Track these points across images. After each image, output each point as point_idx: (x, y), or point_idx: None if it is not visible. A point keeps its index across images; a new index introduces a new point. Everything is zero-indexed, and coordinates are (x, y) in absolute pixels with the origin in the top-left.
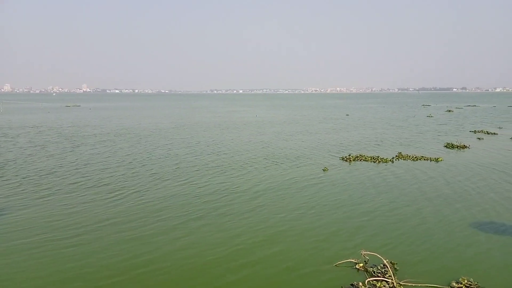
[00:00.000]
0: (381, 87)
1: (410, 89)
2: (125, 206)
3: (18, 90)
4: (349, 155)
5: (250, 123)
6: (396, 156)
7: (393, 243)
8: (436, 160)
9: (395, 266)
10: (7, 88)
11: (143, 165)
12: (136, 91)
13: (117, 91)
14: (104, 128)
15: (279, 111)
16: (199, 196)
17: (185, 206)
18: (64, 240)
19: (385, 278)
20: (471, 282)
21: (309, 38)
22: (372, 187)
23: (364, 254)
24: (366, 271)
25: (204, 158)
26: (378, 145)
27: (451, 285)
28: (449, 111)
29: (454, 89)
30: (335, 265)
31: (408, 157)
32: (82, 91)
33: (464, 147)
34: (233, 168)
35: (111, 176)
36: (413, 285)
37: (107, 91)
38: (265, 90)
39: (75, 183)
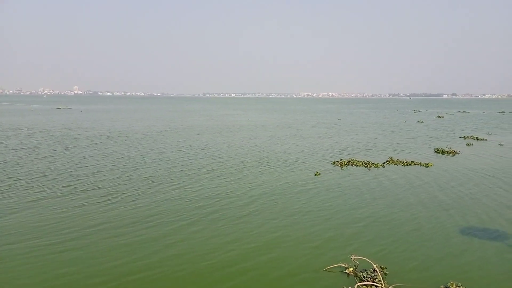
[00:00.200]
0: (372, 92)
1: (401, 94)
2: (117, 211)
3: (8, 91)
4: (341, 159)
5: (243, 126)
6: (387, 161)
7: (383, 248)
8: (427, 165)
9: (385, 270)
10: None
11: (136, 169)
12: (128, 93)
13: (108, 93)
14: (96, 130)
15: (271, 115)
16: (193, 201)
17: (179, 211)
18: (54, 245)
19: (374, 282)
20: (460, 286)
21: (302, 43)
22: (365, 192)
23: (354, 258)
24: (356, 276)
25: (197, 162)
26: (371, 150)
27: None
28: (440, 116)
29: (444, 95)
30: (325, 270)
31: (399, 162)
32: (73, 93)
33: (454, 152)
34: (227, 173)
35: (104, 179)
36: None
37: (99, 93)
38: (257, 94)
39: (67, 186)
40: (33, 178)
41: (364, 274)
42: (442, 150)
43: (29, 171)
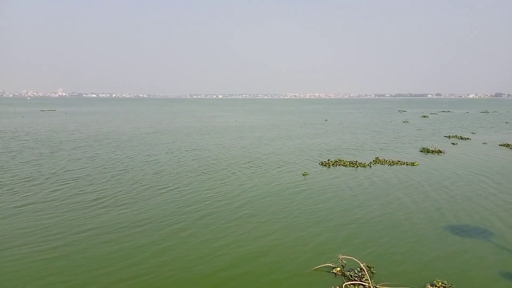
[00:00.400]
0: (358, 93)
1: (387, 95)
2: (106, 216)
3: None
4: (328, 160)
5: (231, 128)
6: (373, 161)
7: (371, 247)
8: (412, 164)
9: (372, 269)
10: None
11: (125, 172)
12: (114, 95)
13: (94, 95)
14: (83, 133)
15: (259, 116)
16: (183, 204)
17: (169, 215)
18: (41, 252)
19: (362, 282)
20: (445, 284)
21: (288, 44)
22: (353, 193)
23: (342, 258)
24: (344, 275)
25: (186, 164)
26: (358, 149)
27: (426, 287)
28: (425, 116)
29: (429, 95)
30: (314, 270)
31: (385, 162)
32: (57, 95)
33: (439, 151)
34: (216, 174)
35: (91, 183)
36: None
37: (84, 95)
38: (244, 95)
39: (54, 190)
40: (19, 183)
41: (352, 273)
42: (427, 150)
43: (15, 175)
